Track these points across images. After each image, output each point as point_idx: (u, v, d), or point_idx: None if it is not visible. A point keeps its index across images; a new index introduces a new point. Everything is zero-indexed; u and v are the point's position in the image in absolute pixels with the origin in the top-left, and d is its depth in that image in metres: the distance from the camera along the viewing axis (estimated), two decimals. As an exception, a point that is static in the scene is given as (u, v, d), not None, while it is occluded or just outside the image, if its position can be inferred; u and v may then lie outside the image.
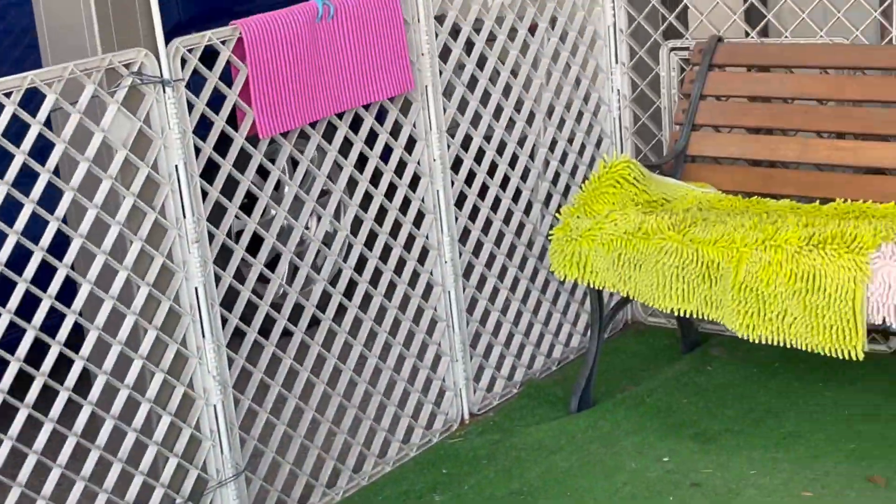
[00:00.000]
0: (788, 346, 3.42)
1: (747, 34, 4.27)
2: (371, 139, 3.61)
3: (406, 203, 3.76)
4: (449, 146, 3.81)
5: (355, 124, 3.57)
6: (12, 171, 2.78)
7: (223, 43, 3.18)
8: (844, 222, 3.48)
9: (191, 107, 3.12)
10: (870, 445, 3.54)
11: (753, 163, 4.12)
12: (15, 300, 2.80)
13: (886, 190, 3.79)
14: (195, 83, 3.12)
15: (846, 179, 3.90)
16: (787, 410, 3.80)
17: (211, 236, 3.21)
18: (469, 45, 3.88)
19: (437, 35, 3.73)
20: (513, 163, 4.08)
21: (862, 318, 3.28)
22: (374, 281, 3.69)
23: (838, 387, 3.89)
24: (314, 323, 3.53)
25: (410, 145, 3.73)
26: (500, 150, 4.03)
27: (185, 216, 3.11)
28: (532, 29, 4.10)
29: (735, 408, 3.85)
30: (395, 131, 3.70)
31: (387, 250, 3.72)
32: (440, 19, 3.77)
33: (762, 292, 3.43)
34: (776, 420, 3.75)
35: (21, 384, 2.86)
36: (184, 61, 3.08)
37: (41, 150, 2.85)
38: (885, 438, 3.57)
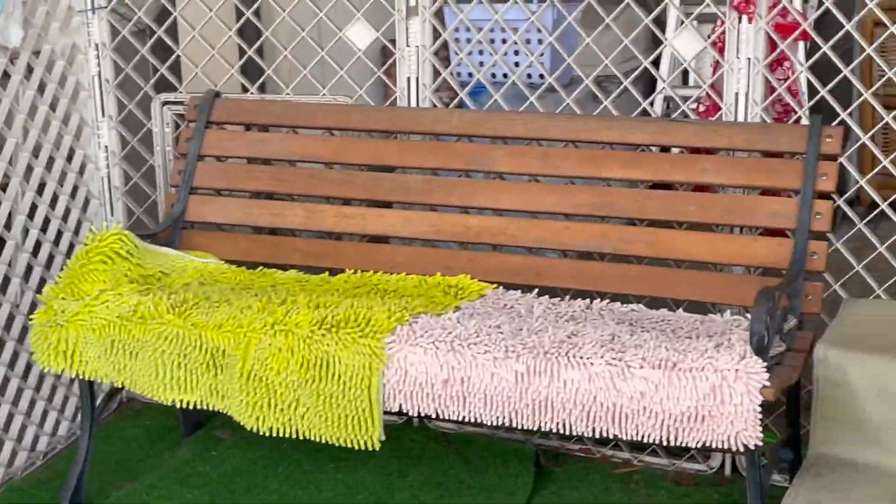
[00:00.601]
0: (302, 437, 3.16)
1: (246, 89, 3.98)
2: None
3: None
4: None
5: None
6: None
7: None
8: (358, 302, 3.26)
9: None
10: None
11: (258, 230, 3.84)
12: None
13: (395, 259, 3.62)
14: None
15: (354, 248, 3.70)
16: (299, 499, 3.54)
17: None
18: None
19: None
20: (-15, 234, 3.56)
21: (378, 407, 3.07)
22: None
23: (351, 469, 3.68)
24: None
25: None
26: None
27: None
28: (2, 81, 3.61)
29: (245, 500, 3.54)
30: None
31: None
32: None
33: (272, 381, 3.14)
34: (288, 512, 3.49)
35: None
36: None
37: None
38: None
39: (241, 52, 3.99)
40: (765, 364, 2.82)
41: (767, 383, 2.79)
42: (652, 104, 3.62)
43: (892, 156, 3.35)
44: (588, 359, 2.92)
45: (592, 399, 2.91)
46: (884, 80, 3.40)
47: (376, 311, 3.18)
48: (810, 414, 3.06)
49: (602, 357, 2.92)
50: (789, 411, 3.25)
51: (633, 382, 2.87)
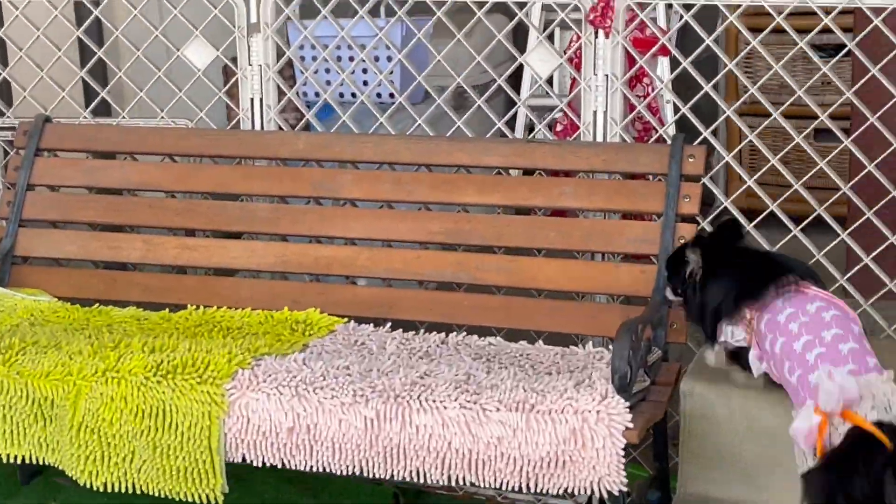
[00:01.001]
0: (139, 492, 2.93)
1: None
2: None
3: None
4: None
5: None
6: None
7: None
8: (197, 344, 3.04)
9: None
10: None
11: (96, 263, 3.58)
12: None
13: (240, 294, 3.40)
14: None
15: (197, 282, 3.48)
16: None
17: None
18: None
19: None
20: None
21: (220, 458, 2.85)
22: None
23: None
24: None
25: None
26: None
27: None
28: None
29: (84, 557, 3.30)
30: None
31: None
32: None
33: (105, 432, 2.91)
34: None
35: None
36: None
37: None
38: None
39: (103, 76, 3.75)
40: (627, 404, 2.66)
41: (630, 425, 2.63)
42: (514, 118, 3.44)
43: (757, 174, 3.23)
44: (441, 402, 2.74)
45: (447, 445, 2.72)
46: (746, 95, 3.28)
47: (216, 354, 2.96)
48: (678, 447, 2.92)
49: (456, 400, 2.73)
50: (656, 444, 3.10)
51: (490, 427, 2.69)
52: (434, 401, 2.74)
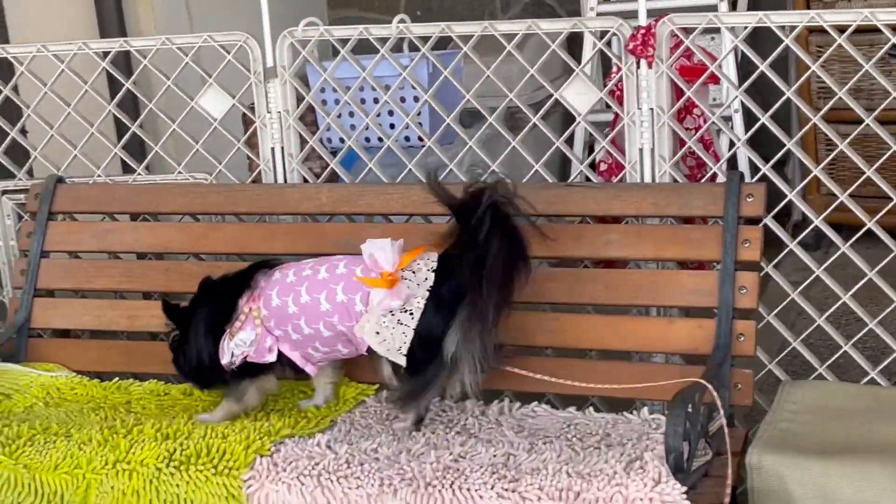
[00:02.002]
0: None
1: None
2: None
3: None
4: None
5: None
6: None
7: None
8: (212, 428, 2.78)
9: None
10: None
11: (116, 333, 3.36)
12: None
13: (269, 361, 3.14)
14: None
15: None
16: None
17: None
18: None
19: None
20: None
21: (239, 557, 2.60)
22: None
23: None
24: None
25: None
26: None
27: None
28: None
29: None
30: None
31: None
32: None
33: (113, 529, 2.68)
34: None
35: None
36: None
37: None
38: None
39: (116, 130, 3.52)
40: (684, 489, 2.36)
41: (688, 512, 2.33)
42: (572, 146, 3.12)
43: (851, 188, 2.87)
44: (476, 490, 2.45)
45: (483, 539, 2.44)
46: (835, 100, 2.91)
47: (231, 441, 2.70)
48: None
49: (493, 488, 2.45)
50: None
51: (530, 518, 2.40)
52: (468, 489, 2.46)
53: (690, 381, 2.54)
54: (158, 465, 2.67)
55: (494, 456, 2.58)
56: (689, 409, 2.46)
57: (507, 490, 2.43)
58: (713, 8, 4.23)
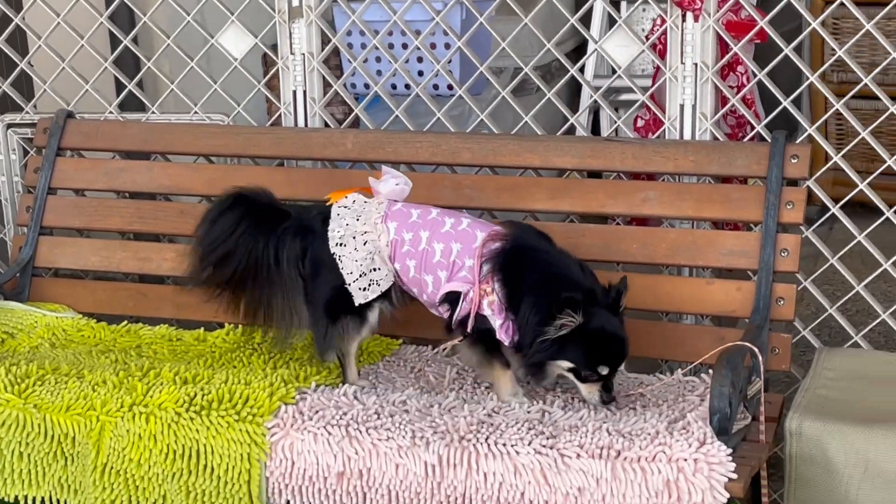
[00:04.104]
0: (171, 541, 2.60)
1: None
2: None
3: None
4: None
5: None
6: None
7: None
8: (234, 374, 2.69)
9: None
10: None
11: (124, 275, 3.25)
12: None
13: (285, 309, 3.05)
14: None
15: (236, 297, 3.12)
16: None
17: None
18: None
19: None
20: None
21: (261, 504, 2.53)
22: None
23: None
24: None
25: None
26: None
27: None
28: None
29: None
30: None
31: None
32: None
33: (132, 475, 2.59)
34: None
35: None
36: None
37: None
38: None
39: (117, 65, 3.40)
40: (729, 450, 2.30)
41: (734, 475, 2.27)
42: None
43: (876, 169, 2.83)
44: (513, 445, 2.38)
45: (519, 496, 2.37)
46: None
47: (255, 387, 2.62)
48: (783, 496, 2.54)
49: (530, 443, 2.38)
50: (753, 494, 2.71)
51: (569, 476, 2.34)
52: (504, 444, 2.39)
53: (734, 345, 2.48)
54: (178, 410, 2.58)
55: (529, 412, 2.51)
56: (734, 373, 2.39)
57: (545, 446, 2.37)
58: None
